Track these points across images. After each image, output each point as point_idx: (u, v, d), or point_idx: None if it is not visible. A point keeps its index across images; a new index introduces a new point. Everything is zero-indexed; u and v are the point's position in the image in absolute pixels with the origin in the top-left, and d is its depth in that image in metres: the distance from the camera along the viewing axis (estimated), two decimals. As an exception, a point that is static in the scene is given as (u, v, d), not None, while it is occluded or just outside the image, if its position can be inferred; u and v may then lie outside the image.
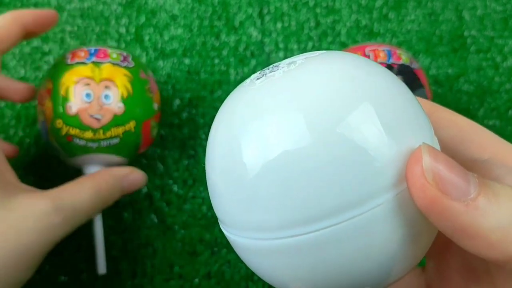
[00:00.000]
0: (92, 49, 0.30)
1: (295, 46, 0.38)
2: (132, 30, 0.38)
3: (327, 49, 0.38)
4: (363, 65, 0.16)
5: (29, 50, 0.37)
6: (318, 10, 0.39)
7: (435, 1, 0.40)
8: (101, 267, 0.30)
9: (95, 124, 0.28)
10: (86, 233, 0.31)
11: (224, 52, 0.38)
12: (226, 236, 0.17)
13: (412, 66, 0.30)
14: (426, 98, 0.30)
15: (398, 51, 0.31)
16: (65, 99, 0.28)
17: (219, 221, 0.17)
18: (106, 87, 0.28)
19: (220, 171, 0.16)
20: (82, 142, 0.28)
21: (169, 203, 0.34)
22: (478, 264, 0.18)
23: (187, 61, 0.37)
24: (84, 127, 0.28)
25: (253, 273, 0.32)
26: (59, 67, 0.29)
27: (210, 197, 0.17)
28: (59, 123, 0.28)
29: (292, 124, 0.14)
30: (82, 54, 0.29)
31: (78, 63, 0.29)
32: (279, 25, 0.38)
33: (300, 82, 0.15)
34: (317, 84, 0.15)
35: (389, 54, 0.30)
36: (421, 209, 0.14)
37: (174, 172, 0.34)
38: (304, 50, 0.38)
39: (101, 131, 0.28)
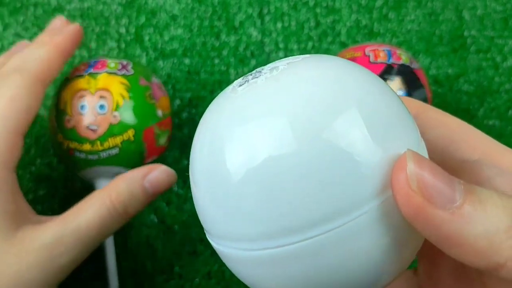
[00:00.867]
0: (92, 61, 0.30)
1: (295, 46, 0.38)
2: (132, 30, 0.38)
3: (327, 49, 0.38)
4: (347, 68, 0.16)
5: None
6: (318, 10, 0.39)
7: (435, 1, 0.40)
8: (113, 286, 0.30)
9: (92, 135, 0.28)
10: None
11: (224, 52, 0.38)
12: (212, 245, 0.17)
13: (412, 66, 0.30)
14: (426, 98, 0.30)
15: (398, 51, 0.31)
16: (63, 113, 0.28)
17: (204, 231, 0.17)
18: (101, 97, 0.28)
19: (203, 182, 0.16)
20: (82, 155, 0.28)
21: (169, 203, 0.34)
22: (470, 266, 0.18)
23: (187, 61, 0.37)
24: (81, 140, 0.28)
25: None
26: (62, 82, 0.30)
27: (195, 207, 0.17)
28: (60, 137, 0.28)
29: (274, 132, 0.14)
30: (82, 67, 0.30)
31: (76, 76, 0.29)
32: (279, 25, 0.38)
33: (282, 89, 0.15)
34: (299, 91, 0.15)
35: (389, 54, 0.30)
36: (406, 217, 0.14)
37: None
38: (304, 50, 0.38)
39: (98, 142, 0.28)
